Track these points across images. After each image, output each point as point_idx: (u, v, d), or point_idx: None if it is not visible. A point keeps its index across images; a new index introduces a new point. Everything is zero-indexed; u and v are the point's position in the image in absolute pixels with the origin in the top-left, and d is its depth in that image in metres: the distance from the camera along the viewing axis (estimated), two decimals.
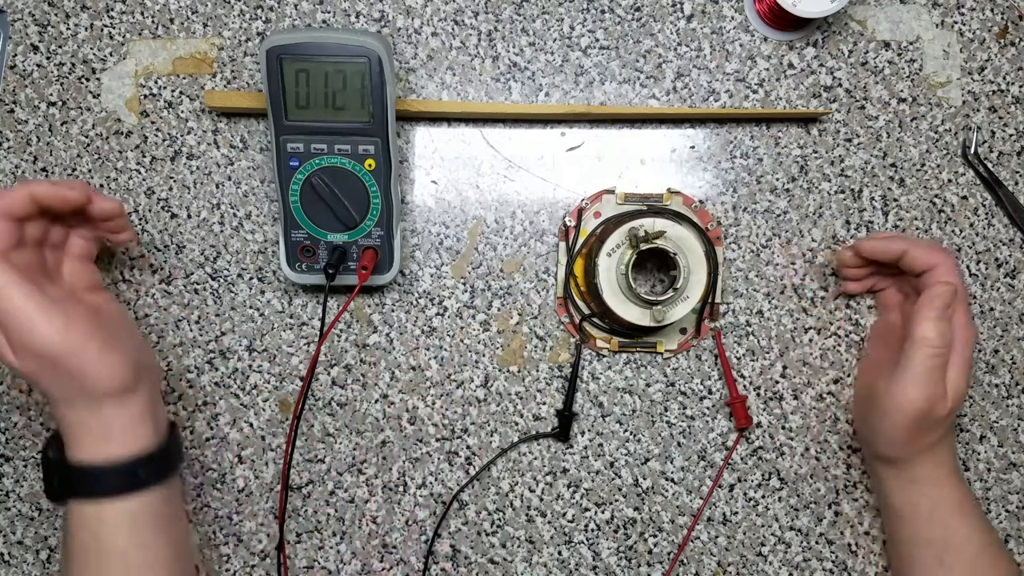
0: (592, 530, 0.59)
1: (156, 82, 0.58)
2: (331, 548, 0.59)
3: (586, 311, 0.58)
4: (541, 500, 0.59)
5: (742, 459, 0.59)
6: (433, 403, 0.59)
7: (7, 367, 0.46)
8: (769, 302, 0.59)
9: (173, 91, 0.58)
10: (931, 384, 0.49)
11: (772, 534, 0.59)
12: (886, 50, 0.59)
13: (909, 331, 0.50)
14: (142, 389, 0.48)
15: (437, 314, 0.59)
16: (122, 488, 0.47)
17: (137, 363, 0.48)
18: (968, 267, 0.59)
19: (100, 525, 0.46)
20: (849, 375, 0.59)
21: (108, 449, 0.46)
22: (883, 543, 0.59)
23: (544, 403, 0.59)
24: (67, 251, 0.50)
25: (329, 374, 0.59)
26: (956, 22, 0.59)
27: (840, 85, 0.59)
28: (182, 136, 0.58)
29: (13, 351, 0.44)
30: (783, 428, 0.59)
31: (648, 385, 0.59)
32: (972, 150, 0.59)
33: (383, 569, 0.59)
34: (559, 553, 0.59)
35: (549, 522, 0.59)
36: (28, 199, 0.45)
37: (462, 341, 0.59)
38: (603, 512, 0.59)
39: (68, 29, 0.58)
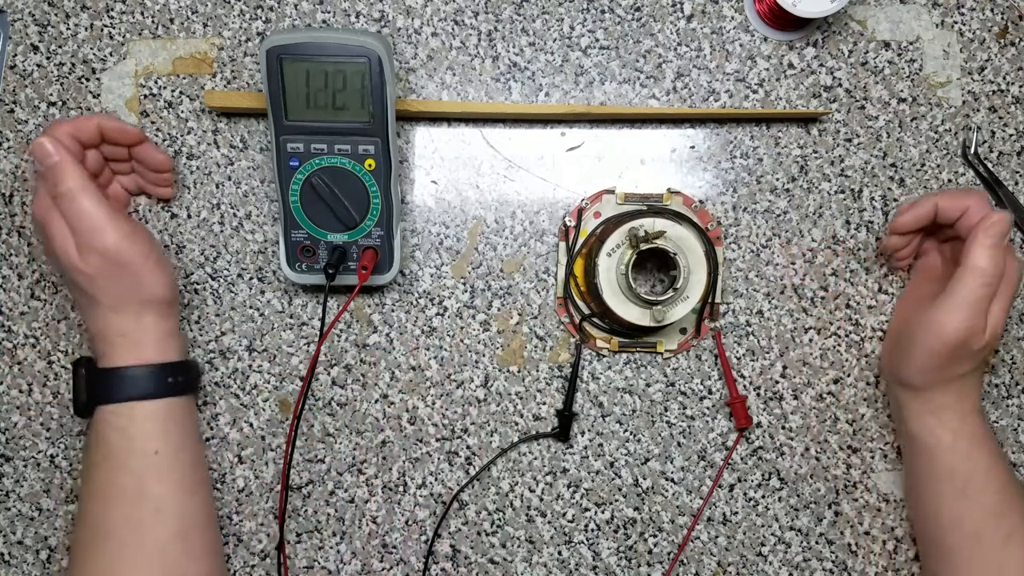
0: (592, 530, 0.59)
1: (156, 82, 0.58)
2: (331, 548, 0.59)
3: (586, 311, 0.58)
4: (541, 500, 0.59)
5: (742, 459, 0.59)
6: (433, 403, 0.59)
7: (67, 269, 0.49)
8: (769, 302, 0.59)
9: (173, 91, 0.58)
10: (975, 314, 0.49)
11: (772, 534, 0.59)
12: (886, 50, 0.59)
13: (962, 260, 0.49)
14: (176, 308, 0.54)
15: (437, 314, 0.59)
16: (153, 391, 0.51)
17: (177, 285, 0.54)
18: None
19: (131, 424, 0.50)
20: (849, 375, 0.59)
21: (143, 354, 0.51)
22: (883, 542, 0.59)
23: (544, 403, 0.59)
24: (107, 193, 0.56)
25: (329, 374, 0.59)
26: (956, 22, 0.59)
27: (840, 85, 0.59)
28: (182, 136, 0.58)
29: (78, 251, 0.48)
30: (783, 428, 0.59)
31: (648, 385, 0.59)
32: (972, 150, 0.59)
33: (383, 569, 0.59)
34: (559, 553, 0.59)
35: (549, 522, 0.59)
36: (96, 128, 0.51)
37: (462, 341, 0.59)
38: (603, 512, 0.59)
39: (68, 29, 0.58)
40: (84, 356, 0.53)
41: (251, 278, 0.59)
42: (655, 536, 0.59)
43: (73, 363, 0.53)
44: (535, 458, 0.59)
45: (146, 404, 0.51)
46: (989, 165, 0.59)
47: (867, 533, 0.59)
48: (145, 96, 0.58)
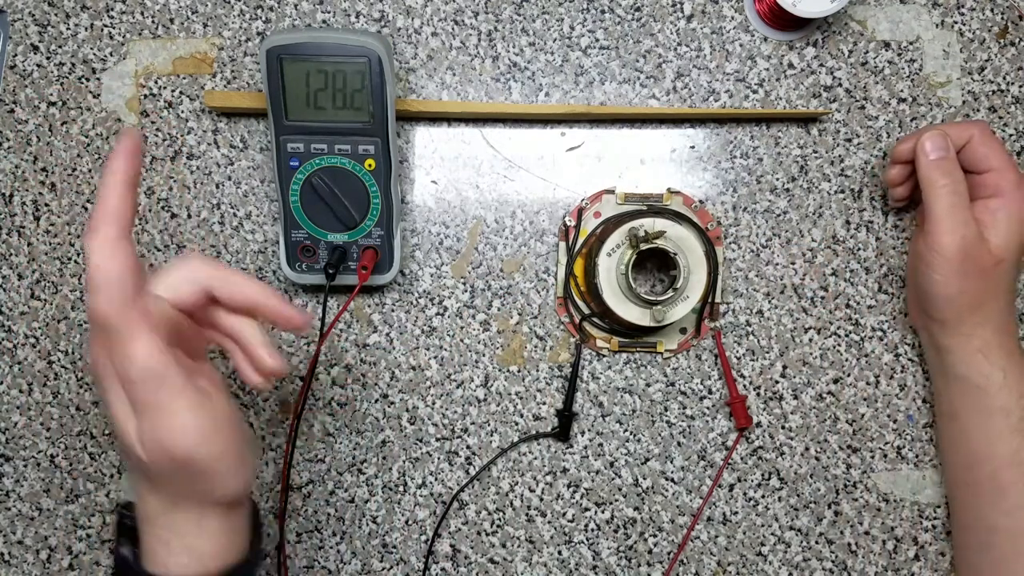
0: (592, 530, 0.59)
1: (156, 82, 0.58)
2: (331, 548, 0.59)
3: (586, 311, 0.58)
4: (541, 500, 0.59)
5: (742, 459, 0.59)
6: (433, 403, 0.59)
7: (126, 456, 0.39)
8: (769, 302, 0.59)
9: (173, 91, 0.58)
10: (956, 223, 0.51)
11: (772, 534, 0.59)
12: (886, 50, 0.59)
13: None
14: (248, 495, 0.43)
15: (437, 314, 0.59)
16: None
17: (254, 475, 0.43)
18: None
19: None
20: (849, 375, 0.59)
21: (202, 564, 0.40)
22: (883, 542, 0.59)
23: (544, 403, 0.59)
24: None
25: (329, 374, 0.59)
26: (956, 22, 0.59)
27: (840, 85, 0.59)
28: (182, 136, 0.58)
29: (143, 444, 0.37)
30: (783, 428, 0.59)
31: (648, 385, 0.59)
32: None
33: (383, 569, 0.59)
34: (559, 553, 0.59)
35: (549, 522, 0.59)
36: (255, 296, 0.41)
37: (462, 341, 0.59)
38: (603, 512, 0.59)
39: (68, 29, 0.58)
40: (125, 528, 0.42)
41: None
42: (655, 536, 0.59)
43: (116, 544, 0.42)
44: (535, 458, 0.59)
45: None
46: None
47: (867, 533, 0.59)
48: (145, 96, 0.58)
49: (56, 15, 0.58)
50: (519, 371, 0.59)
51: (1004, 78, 0.59)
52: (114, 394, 0.37)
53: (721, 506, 0.59)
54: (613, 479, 0.59)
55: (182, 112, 0.58)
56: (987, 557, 0.54)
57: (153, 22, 0.58)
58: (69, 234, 0.58)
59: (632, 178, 0.59)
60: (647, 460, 0.59)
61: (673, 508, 0.59)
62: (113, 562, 0.42)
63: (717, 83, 0.58)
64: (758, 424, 0.59)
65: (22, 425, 0.59)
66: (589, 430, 0.59)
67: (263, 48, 0.50)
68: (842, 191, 0.59)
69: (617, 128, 0.59)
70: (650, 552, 0.59)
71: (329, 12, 0.58)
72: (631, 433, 0.59)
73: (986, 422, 0.53)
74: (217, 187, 0.58)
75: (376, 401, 0.59)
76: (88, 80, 0.58)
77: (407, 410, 0.59)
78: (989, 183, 0.52)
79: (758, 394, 0.59)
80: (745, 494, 0.59)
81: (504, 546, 0.59)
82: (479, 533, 0.59)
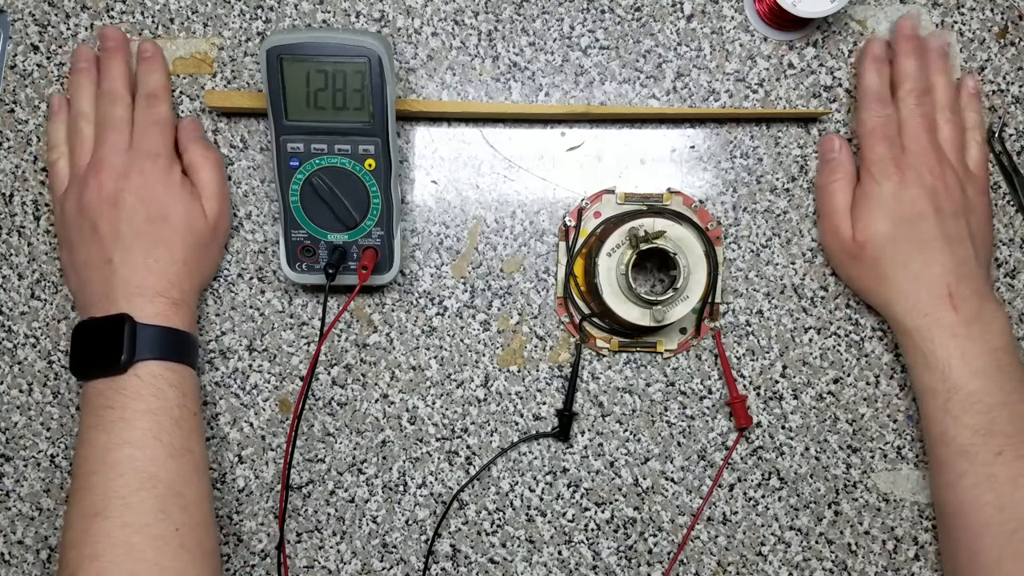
0: (592, 530, 0.59)
1: None
2: (331, 548, 0.59)
3: (586, 311, 0.58)
4: (541, 500, 0.59)
5: (742, 459, 0.59)
6: (433, 403, 0.59)
7: (194, 229, 0.54)
8: (769, 302, 0.59)
9: (173, 91, 0.58)
10: (832, 220, 0.57)
11: (772, 534, 0.59)
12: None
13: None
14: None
15: (437, 314, 0.59)
16: (195, 358, 0.55)
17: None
18: None
19: (184, 383, 0.52)
20: (849, 375, 0.59)
21: (192, 324, 0.55)
22: (883, 542, 0.59)
23: (544, 403, 0.59)
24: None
25: (329, 374, 0.59)
26: (956, 22, 0.59)
27: (840, 85, 0.59)
28: None
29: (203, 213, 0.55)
30: (783, 428, 0.59)
31: (648, 385, 0.59)
32: (996, 134, 0.58)
33: (383, 569, 0.59)
34: (559, 553, 0.59)
35: (549, 522, 0.59)
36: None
37: (462, 341, 0.59)
38: (603, 512, 0.59)
39: (68, 29, 0.58)
40: (116, 313, 0.51)
41: (251, 278, 0.59)
42: (655, 536, 0.59)
43: (116, 320, 0.50)
44: (535, 458, 0.59)
45: (192, 369, 0.54)
46: (1012, 153, 0.59)
47: (867, 533, 0.59)
48: None
49: (56, 15, 0.58)
50: (519, 371, 0.59)
51: (1004, 78, 0.59)
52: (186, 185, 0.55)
53: (721, 506, 0.59)
54: (613, 479, 0.59)
55: (182, 112, 0.58)
56: (942, 532, 0.55)
57: (153, 22, 0.58)
58: None
59: (632, 178, 0.59)
60: (647, 460, 0.59)
61: (673, 508, 0.59)
62: (114, 340, 0.50)
63: (717, 83, 0.58)
64: (758, 424, 0.59)
65: (22, 425, 0.59)
66: (589, 430, 0.59)
67: (263, 48, 0.50)
68: None
69: (617, 128, 0.59)
70: (650, 552, 0.59)
71: (329, 12, 0.58)
72: (631, 433, 0.59)
73: (922, 400, 0.55)
74: None
75: (376, 401, 0.59)
76: None
77: (407, 410, 0.59)
78: (865, 166, 0.55)
79: (758, 394, 0.59)
80: (745, 494, 0.59)
81: (504, 546, 0.59)
82: (479, 533, 0.59)
